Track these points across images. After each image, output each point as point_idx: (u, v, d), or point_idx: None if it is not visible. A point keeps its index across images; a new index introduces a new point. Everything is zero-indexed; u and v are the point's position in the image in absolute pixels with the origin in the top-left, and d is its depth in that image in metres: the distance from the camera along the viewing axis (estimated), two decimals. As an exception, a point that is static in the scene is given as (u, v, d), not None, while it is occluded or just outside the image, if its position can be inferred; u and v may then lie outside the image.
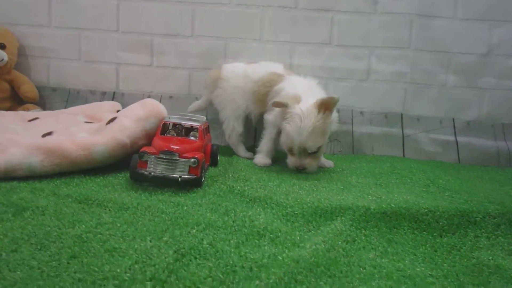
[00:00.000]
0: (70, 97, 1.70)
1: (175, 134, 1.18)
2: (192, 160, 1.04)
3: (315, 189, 1.11)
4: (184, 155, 1.04)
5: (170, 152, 1.04)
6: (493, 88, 1.66)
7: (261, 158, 1.39)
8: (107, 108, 1.56)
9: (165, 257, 0.68)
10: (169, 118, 1.19)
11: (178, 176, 1.02)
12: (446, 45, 1.65)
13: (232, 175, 1.20)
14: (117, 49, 1.68)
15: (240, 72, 1.49)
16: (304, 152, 1.25)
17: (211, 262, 0.69)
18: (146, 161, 1.04)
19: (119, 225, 0.81)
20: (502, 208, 0.99)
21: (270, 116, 1.38)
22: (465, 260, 0.81)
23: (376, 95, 1.69)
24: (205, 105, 1.61)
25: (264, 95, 1.42)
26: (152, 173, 1.03)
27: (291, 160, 1.29)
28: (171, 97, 1.70)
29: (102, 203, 0.91)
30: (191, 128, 1.19)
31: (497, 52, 1.64)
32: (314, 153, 1.26)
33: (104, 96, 1.70)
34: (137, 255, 0.68)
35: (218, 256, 0.71)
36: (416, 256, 0.82)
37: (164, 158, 1.04)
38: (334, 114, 1.32)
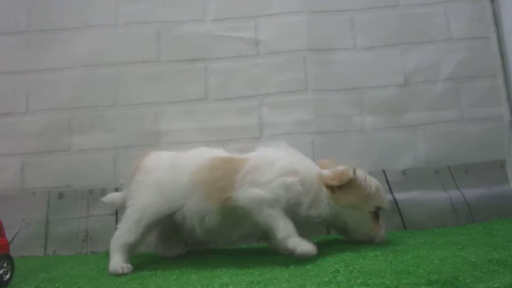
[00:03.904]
0: None
1: None
2: None
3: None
4: None
5: None
6: (424, 124, 1.29)
7: (304, 242, 0.88)
8: None
9: None
10: None
11: None
12: (354, 81, 1.31)
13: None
14: None
15: (165, 162, 1.04)
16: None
17: None
18: None
19: None
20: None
21: (265, 191, 0.90)
22: None
23: (277, 155, 1.28)
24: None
25: (222, 179, 0.94)
26: None
27: (377, 226, 0.99)
28: (-5, 196, 1.25)
29: None
30: None
31: (417, 79, 1.31)
32: None
33: None
34: None
35: None
36: None
37: None
38: None
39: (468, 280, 0.62)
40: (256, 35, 1.33)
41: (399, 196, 1.25)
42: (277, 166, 0.92)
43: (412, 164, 1.28)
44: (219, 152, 1.04)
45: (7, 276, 0.81)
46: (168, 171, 1.01)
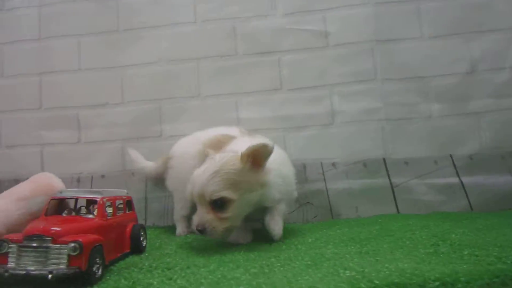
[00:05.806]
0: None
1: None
2: (72, 245, 0.69)
3: (266, 270, 0.74)
4: (61, 239, 0.70)
5: (38, 236, 0.70)
6: (490, 111, 1.33)
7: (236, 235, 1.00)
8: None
9: None
10: (61, 193, 0.88)
11: (47, 272, 0.67)
12: (420, 69, 1.37)
13: (151, 263, 0.83)
14: (41, 129, 1.47)
15: (190, 145, 1.22)
16: (204, 203, 0.92)
17: None
18: (7, 253, 0.70)
19: None
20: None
21: None
22: None
23: (347, 141, 1.37)
24: (150, 172, 1.33)
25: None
26: (10, 271, 0.68)
27: (194, 219, 0.95)
28: (103, 176, 1.43)
29: None
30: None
31: (483, 67, 1.34)
32: (221, 210, 0.91)
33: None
34: None
35: None
36: None
37: (30, 247, 0.70)
38: (277, 173, 0.99)
39: None
40: (325, 28, 1.41)
41: (466, 180, 1.31)
42: None
43: (478, 149, 1.33)
44: (229, 130, 1.17)
45: (144, 243, 0.96)
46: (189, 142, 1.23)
